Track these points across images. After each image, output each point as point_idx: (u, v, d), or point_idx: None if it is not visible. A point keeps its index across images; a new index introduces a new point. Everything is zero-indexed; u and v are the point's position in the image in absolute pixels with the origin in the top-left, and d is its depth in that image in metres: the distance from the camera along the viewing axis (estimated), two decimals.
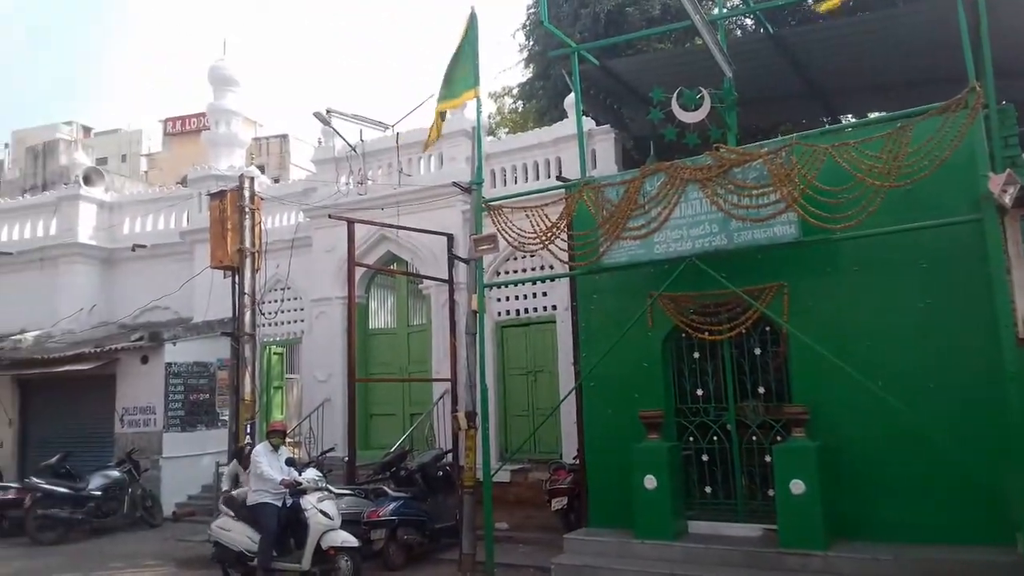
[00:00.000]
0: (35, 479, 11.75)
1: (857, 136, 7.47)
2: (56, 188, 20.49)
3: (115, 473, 12.20)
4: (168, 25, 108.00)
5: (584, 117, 10.18)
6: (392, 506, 9.20)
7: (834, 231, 7.25)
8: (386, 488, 9.71)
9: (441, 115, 9.56)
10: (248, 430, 10.65)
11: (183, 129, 35.32)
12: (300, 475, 8.51)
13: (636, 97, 10.70)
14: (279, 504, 8.45)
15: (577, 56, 9.64)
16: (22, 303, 16.49)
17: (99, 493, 11.82)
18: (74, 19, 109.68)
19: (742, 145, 8.37)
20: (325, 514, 8.25)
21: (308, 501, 8.29)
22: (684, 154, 8.92)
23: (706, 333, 8.05)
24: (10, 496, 11.79)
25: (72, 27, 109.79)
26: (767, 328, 8.15)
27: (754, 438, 8.15)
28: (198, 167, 16.60)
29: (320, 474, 8.86)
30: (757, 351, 8.26)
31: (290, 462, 8.66)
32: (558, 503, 9.75)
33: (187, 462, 13.37)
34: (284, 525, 8.45)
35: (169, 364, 13.45)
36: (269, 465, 8.46)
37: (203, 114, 27.89)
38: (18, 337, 15.25)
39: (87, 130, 41.69)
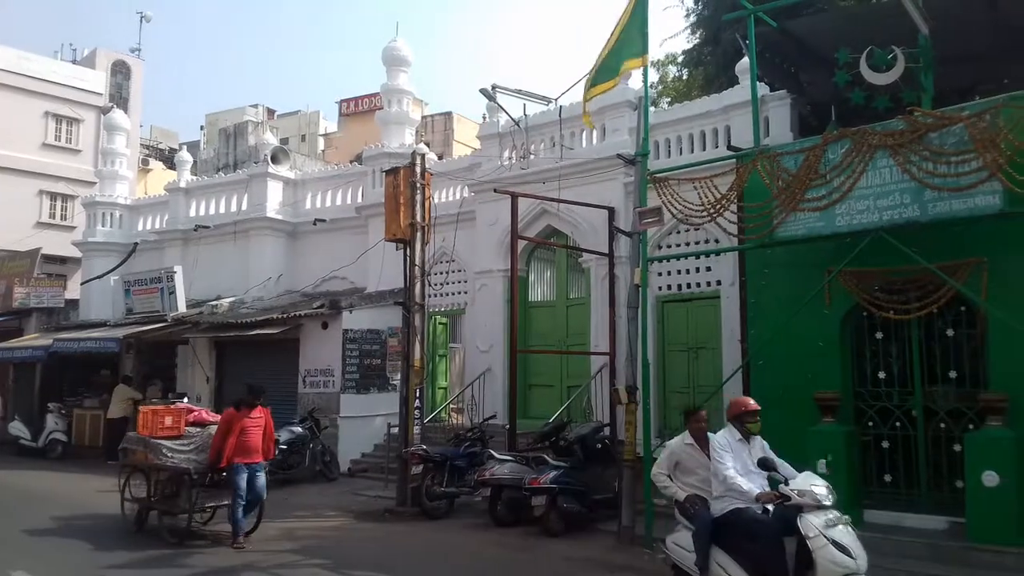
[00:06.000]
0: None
1: None
2: (246, 167, 22.32)
3: (299, 429, 13.17)
4: (338, 7, 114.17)
5: (757, 82, 9.72)
6: (553, 474, 9.34)
7: None
8: (546, 457, 9.87)
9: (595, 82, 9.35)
10: (417, 395, 11.18)
11: (356, 110, 37.20)
12: (788, 483, 5.54)
13: (816, 60, 10.07)
14: (761, 513, 5.73)
15: (753, 18, 9.21)
16: (218, 272, 18.21)
17: (285, 447, 12.73)
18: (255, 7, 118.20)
19: (938, 108, 7.67)
20: (842, 549, 5.14)
21: (811, 523, 5.24)
22: (868, 119, 8.31)
23: (892, 312, 7.53)
24: None
25: (254, 13, 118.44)
26: (962, 308, 7.52)
27: (942, 425, 7.58)
28: (372, 146, 17.43)
29: (827, 485, 5.56)
30: (949, 332, 7.65)
31: (764, 463, 5.78)
32: None
33: (361, 422, 14.23)
34: (772, 543, 5.48)
35: (346, 331, 14.27)
36: (736, 469, 5.78)
37: (375, 94, 29.29)
38: (215, 303, 16.80)
39: (271, 112, 44.99)
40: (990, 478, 6.74)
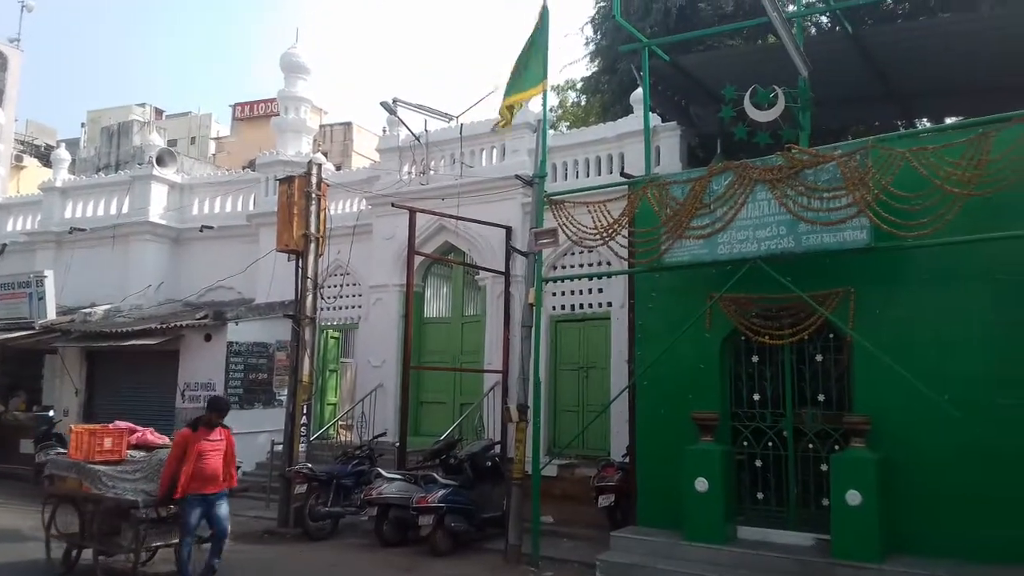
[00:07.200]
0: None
1: (936, 141, 7.26)
2: (129, 168, 21.21)
3: None
4: (238, 9, 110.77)
5: (650, 113, 10.08)
6: (441, 493, 9.28)
7: (906, 238, 7.07)
8: (435, 475, 9.80)
9: (510, 107, 9.54)
10: (304, 411, 10.88)
11: (251, 114, 36.07)
12: None
13: (705, 94, 10.55)
14: None
15: (647, 51, 9.55)
16: (93, 278, 17.14)
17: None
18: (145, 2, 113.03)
19: (814, 146, 8.18)
20: None
21: None
22: (750, 153, 8.76)
23: (767, 337, 7.92)
24: None
25: (142, 8, 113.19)
26: (831, 335, 7.98)
27: (811, 446, 8.01)
28: (266, 152, 16.98)
29: None
30: (819, 358, 8.10)
31: None
32: (605, 500, 9.73)
33: (243, 439, 13.44)
34: None
35: (231, 343, 13.79)
36: None
37: (271, 100, 28.54)
38: (88, 311, 15.81)
39: (159, 112, 42.96)
40: (853, 497, 7.11)
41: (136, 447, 8.11)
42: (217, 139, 39.61)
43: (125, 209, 17.55)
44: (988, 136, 6.75)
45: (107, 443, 7.85)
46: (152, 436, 8.43)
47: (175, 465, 7.38)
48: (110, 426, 8.22)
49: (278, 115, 17.30)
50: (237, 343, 13.87)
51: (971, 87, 10.20)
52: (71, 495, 7.89)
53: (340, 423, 14.55)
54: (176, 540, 7.61)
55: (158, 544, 7.78)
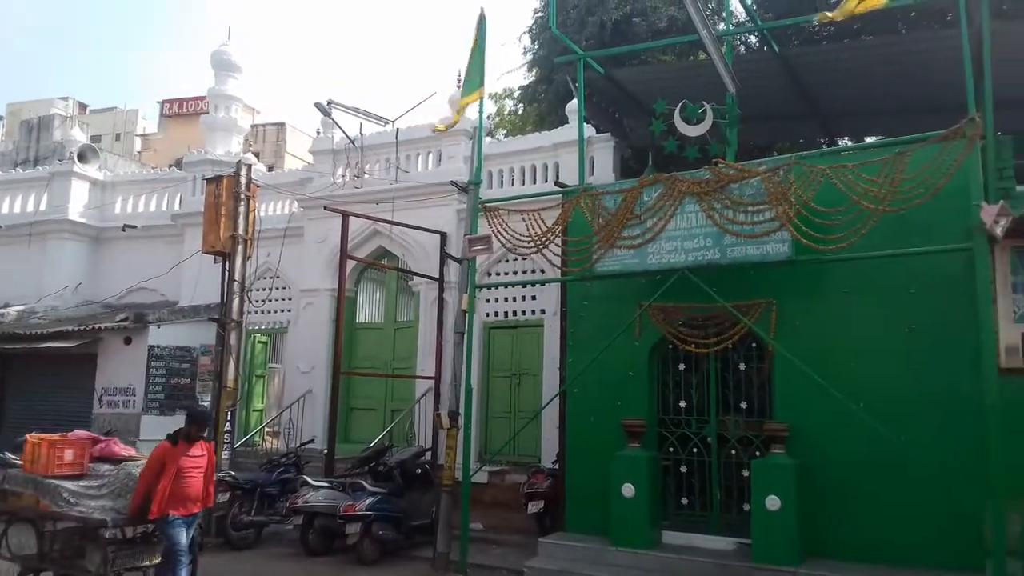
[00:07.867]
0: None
1: (855, 159, 7.54)
2: (49, 163, 20.32)
3: None
4: (169, 4, 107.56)
5: (584, 124, 10.22)
6: (369, 501, 9.17)
7: (825, 252, 7.33)
8: (364, 483, 9.67)
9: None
10: (228, 417, 10.60)
11: (180, 112, 35.10)
12: None
13: (638, 107, 10.75)
14: None
15: (583, 63, 9.68)
16: (7, 277, 16.35)
17: None
18: None
19: (740, 162, 8.42)
20: None
21: None
22: (682, 167, 8.95)
23: (693, 346, 8.12)
24: None
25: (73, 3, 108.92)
26: (753, 344, 8.22)
27: (733, 452, 8.22)
28: (194, 151, 16.53)
29: None
30: (742, 366, 8.33)
31: None
32: (534, 506, 9.77)
33: None
34: None
35: (152, 347, 13.36)
36: None
37: (201, 98, 27.81)
38: (1, 311, 15.11)
39: (83, 107, 41.36)
40: (772, 502, 7.34)
41: (99, 459, 7.19)
42: (144, 136, 38.37)
43: (43, 206, 16.79)
44: (904, 155, 7.05)
45: (68, 455, 6.95)
46: (117, 447, 7.44)
47: (152, 481, 6.57)
48: (70, 436, 7.33)
49: (208, 113, 16.86)
50: (159, 347, 13.44)
51: (891, 107, 10.65)
52: (26, 513, 7.07)
53: (267, 430, 14.23)
54: (147, 563, 6.94)
55: (127, 567, 6.95)
